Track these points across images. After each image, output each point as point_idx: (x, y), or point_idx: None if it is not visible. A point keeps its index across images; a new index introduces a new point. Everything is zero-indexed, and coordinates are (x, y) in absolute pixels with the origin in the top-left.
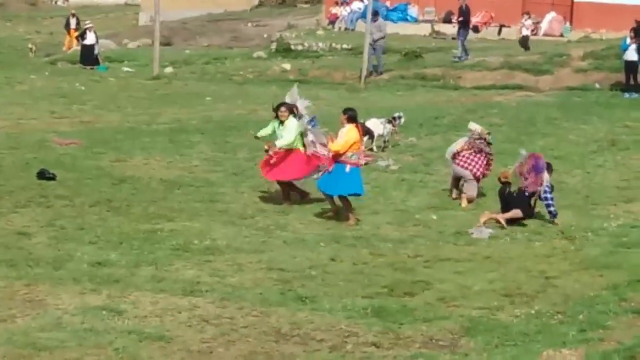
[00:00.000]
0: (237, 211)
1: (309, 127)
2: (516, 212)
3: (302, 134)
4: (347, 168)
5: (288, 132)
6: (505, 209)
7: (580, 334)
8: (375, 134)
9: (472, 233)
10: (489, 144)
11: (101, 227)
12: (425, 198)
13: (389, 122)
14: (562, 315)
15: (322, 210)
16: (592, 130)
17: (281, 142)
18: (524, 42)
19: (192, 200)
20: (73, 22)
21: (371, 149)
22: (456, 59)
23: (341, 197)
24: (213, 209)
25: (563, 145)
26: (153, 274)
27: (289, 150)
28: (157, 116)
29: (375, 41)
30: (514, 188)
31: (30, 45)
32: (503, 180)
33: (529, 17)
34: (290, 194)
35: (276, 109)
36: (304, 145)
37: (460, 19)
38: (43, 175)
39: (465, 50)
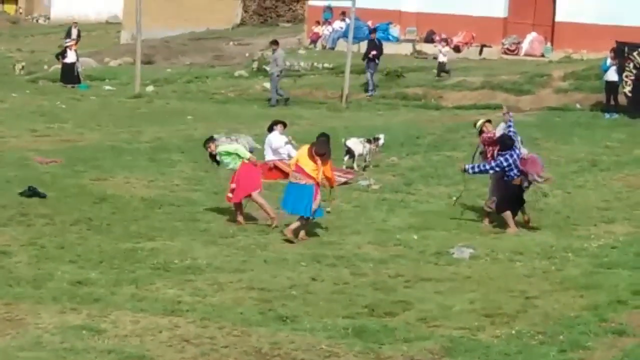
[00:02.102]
0: (218, 230)
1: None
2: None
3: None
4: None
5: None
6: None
7: (560, 355)
8: (356, 154)
9: (453, 253)
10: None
11: (81, 246)
12: (406, 218)
13: (369, 141)
14: (542, 336)
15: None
16: (573, 150)
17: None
18: (440, 68)
19: (173, 219)
20: (74, 32)
21: (351, 168)
22: (370, 93)
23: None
24: (194, 228)
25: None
26: (133, 293)
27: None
28: (138, 135)
29: (277, 74)
30: None
31: (17, 63)
32: None
33: (446, 44)
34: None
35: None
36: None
37: (374, 52)
38: (33, 192)
39: (373, 84)
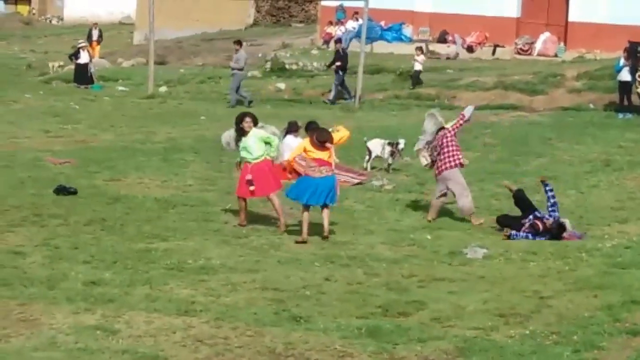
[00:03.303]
0: (231, 230)
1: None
2: None
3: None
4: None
5: (254, 143)
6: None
7: (574, 355)
8: (373, 154)
9: (466, 253)
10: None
11: (95, 247)
12: (419, 218)
13: (390, 144)
14: (556, 336)
15: (317, 230)
16: (586, 150)
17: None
18: (415, 76)
19: (187, 220)
20: (95, 34)
21: (366, 169)
22: (327, 102)
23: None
24: (207, 228)
25: (557, 166)
26: (147, 293)
27: (259, 163)
28: (151, 135)
29: (235, 70)
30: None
31: (52, 63)
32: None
33: (422, 53)
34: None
35: (239, 121)
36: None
37: (338, 63)
38: (63, 190)
39: (339, 93)
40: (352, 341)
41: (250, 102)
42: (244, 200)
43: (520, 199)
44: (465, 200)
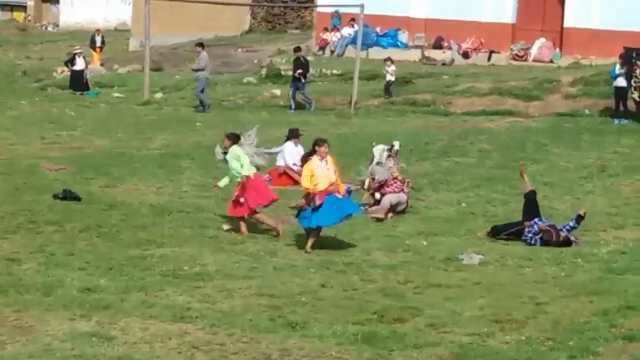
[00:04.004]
0: (227, 237)
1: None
2: None
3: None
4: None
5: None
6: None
7: None
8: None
9: (462, 259)
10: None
11: (91, 253)
12: (415, 224)
13: (389, 149)
14: (552, 342)
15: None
16: (582, 156)
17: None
18: (387, 87)
19: (182, 226)
20: (98, 39)
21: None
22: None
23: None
24: (203, 234)
25: (553, 171)
26: (143, 299)
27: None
28: (147, 141)
29: (195, 71)
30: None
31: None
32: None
33: (392, 63)
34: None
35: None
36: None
37: (300, 71)
38: (68, 194)
39: (294, 100)
40: (348, 347)
41: (205, 106)
42: (242, 218)
43: (532, 201)
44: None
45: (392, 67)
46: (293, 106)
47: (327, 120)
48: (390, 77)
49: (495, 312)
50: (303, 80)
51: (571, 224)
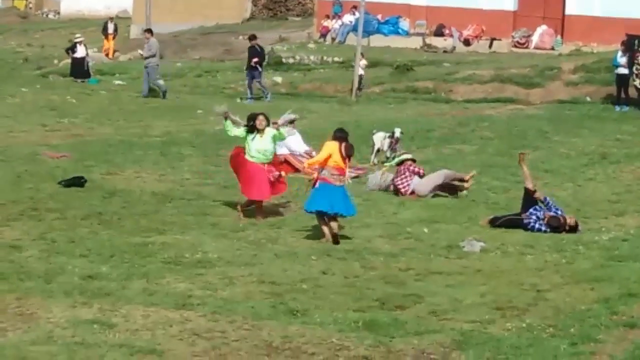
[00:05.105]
0: (228, 224)
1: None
2: None
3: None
4: (317, 184)
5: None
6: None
7: (571, 348)
8: (375, 148)
9: (463, 246)
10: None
11: (92, 240)
12: (416, 211)
13: (390, 137)
14: (553, 329)
15: (313, 225)
16: (583, 143)
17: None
18: (359, 81)
19: (184, 214)
20: (111, 27)
21: (371, 161)
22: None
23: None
24: (204, 222)
25: (554, 159)
26: (144, 287)
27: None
28: (148, 129)
29: (145, 58)
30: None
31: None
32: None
33: (363, 58)
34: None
35: (253, 119)
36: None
37: (255, 59)
38: (78, 180)
39: (250, 89)
40: (349, 334)
41: (164, 92)
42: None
43: (530, 196)
44: None
45: (363, 61)
46: (249, 95)
47: (328, 108)
48: (361, 72)
49: (496, 299)
50: (259, 69)
51: (553, 207)
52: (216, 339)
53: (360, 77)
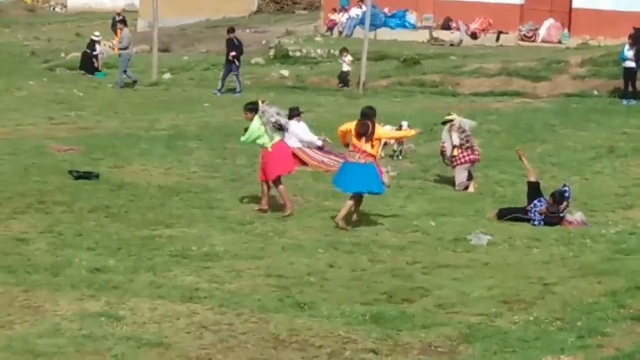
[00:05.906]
0: (235, 217)
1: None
2: None
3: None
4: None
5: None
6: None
7: (578, 341)
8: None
9: (470, 239)
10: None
11: (99, 233)
12: (423, 204)
13: (398, 129)
14: (560, 322)
15: (321, 217)
16: (591, 136)
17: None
18: (344, 77)
19: (191, 207)
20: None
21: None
22: (237, 93)
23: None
24: (211, 215)
25: (561, 152)
26: (151, 280)
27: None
28: (155, 122)
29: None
30: None
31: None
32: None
33: (348, 54)
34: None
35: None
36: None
37: (233, 53)
38: (90, 175)
39: (239, 82)
40: (356, 327)
41: (135, 81)
42: (267, 184)
43: (534, 188)
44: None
45: (349, 57)
46: (220, 86)
47: (335, 101)
48: (346, 68)
49: (503, 292)
50: (237, 63)
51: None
52: (223, 331)
53: (346, 73)
